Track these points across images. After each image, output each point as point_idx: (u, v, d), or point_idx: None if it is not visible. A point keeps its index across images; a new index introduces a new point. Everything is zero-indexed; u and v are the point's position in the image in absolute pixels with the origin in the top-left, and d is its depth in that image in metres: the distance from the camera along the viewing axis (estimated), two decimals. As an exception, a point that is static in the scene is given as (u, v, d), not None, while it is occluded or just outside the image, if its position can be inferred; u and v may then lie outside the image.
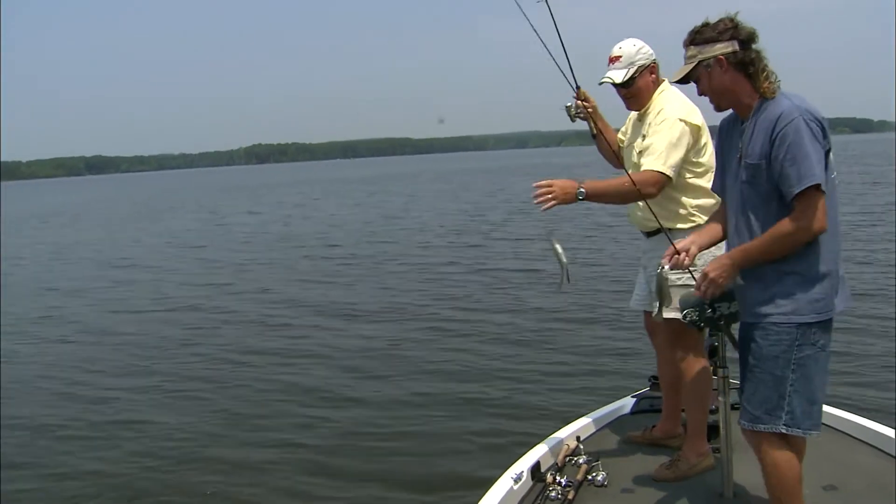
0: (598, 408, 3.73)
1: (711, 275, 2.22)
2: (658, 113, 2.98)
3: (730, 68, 2.19)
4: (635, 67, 3.02)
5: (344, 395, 5.75)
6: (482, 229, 15.77)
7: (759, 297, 2.21)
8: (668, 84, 3.06)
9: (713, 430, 3.03)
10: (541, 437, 3.34)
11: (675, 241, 2.65)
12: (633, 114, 3.21)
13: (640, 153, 2.96)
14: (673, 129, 2.90)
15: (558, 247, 2.71)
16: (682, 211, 2.97)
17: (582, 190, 2.75)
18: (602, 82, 3.05)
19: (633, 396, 3.81)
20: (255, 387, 6.02)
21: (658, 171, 2.85)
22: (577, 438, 3.31)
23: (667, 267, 2.45)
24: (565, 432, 3.37)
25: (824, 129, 2.13)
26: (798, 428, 2.20)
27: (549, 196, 2.72)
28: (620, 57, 3.02)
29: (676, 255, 2.38)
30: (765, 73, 2.18)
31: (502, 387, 5.71)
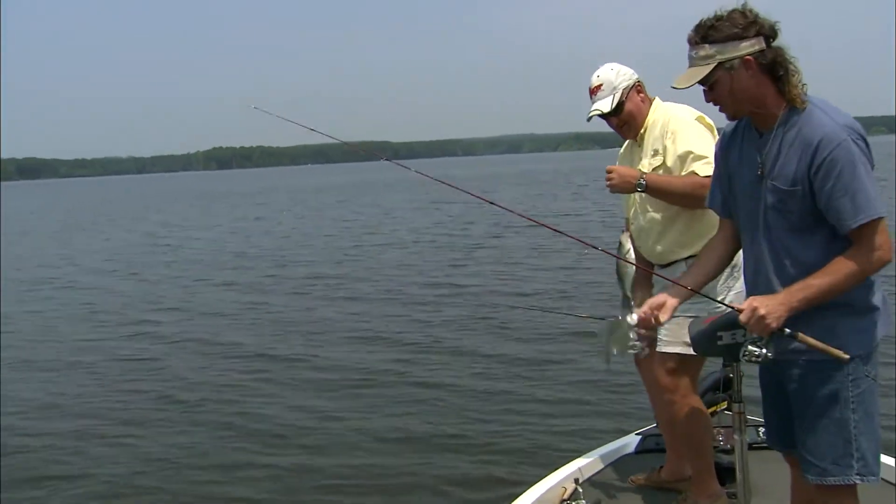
0: (598, 446, 3.74)
1: (768, 320, 2.11)
2: (663, 125, 3.07)
3: (758, 71, 2.11)
4: (620, 92, 3.10)
5: (298, 440, 5.50)
6: (463, 246, 15.78)
7: (801, 332, 2.15)
8: (660, 100, 3.17)
9: (728, 473, 3.04)
10: (533, 480, 3.34)
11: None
12: (627, 142, 3.29)
13: (660, 167, 3.04)
14: (696, 128, 3.00)
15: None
16: (700, 234, 3.00)
17: (642, 182, 2.95)
18: (591, 116, 3.13)
19: (637, 434, 3.82)
20: (196, 428, 5.83)
21: (705, 175, 2.87)
22: (576, 481, 3.30)
23: (634, 318, 2.51)
24: (561, 474, 3.37)
25: (868, 144, 2.10)
26: (872, 475, 2.17)
27: (608, 182, 2.98)
28: (601, 86, 3.10)
29: (645, 313, 2.39)
30: (795, 77, 2.12)
31: (489, 424, 5.66)
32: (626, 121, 3.14)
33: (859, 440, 2.15)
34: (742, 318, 2.14)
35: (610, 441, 3.82)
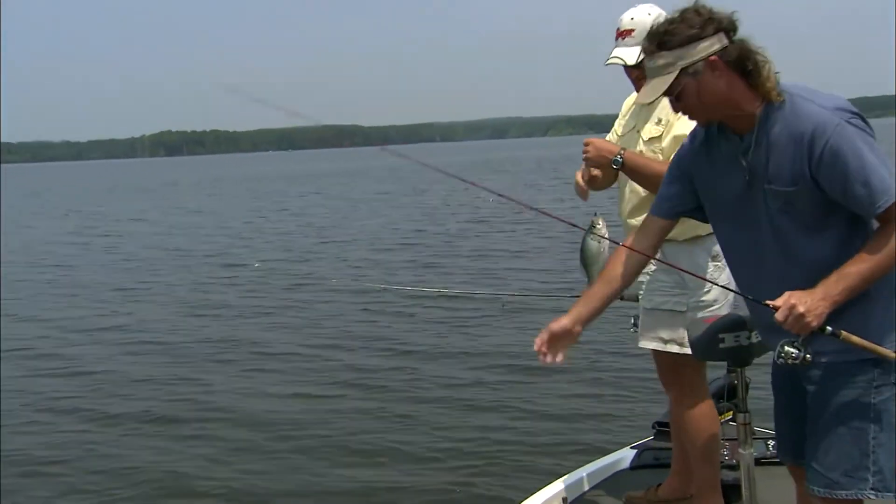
0: (590, 461, 3.74)
1: (809, 317, 2.10)
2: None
3: (725, 70, 2.11)
4: None
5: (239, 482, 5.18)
6: (437, 244, 15.75)
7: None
8: None
9: (733, 491, 3.05)
10: (518, 500, 3.33)
11: (667, 256, 2.89)
12: (634, 94, 3.27)
13: (658, 139, 3.07)
14: None
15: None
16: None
17: (619, 158, 2.97)
18: (610, 62, 3.08)
19: (633, 448, 3.82)
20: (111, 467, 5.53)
21: None
22: (564, 500, 3.30)
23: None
24: (549, 492, 3.36)
25: (865, 119, 2.10)
26: (889, 491, 2.15)
27: (584, 155, 3.01)
28: (633, 31, 3.04)
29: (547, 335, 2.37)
30: (766, 68, 2.11)
31: (469, 440, 5.60)
32: (645, 77, 3.07)
33: (877, 452, 2.14)
34: (778, 316, 2.12)
35: (603, 456, 3.82)
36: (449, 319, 8.97)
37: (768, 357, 2.33)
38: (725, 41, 2.10)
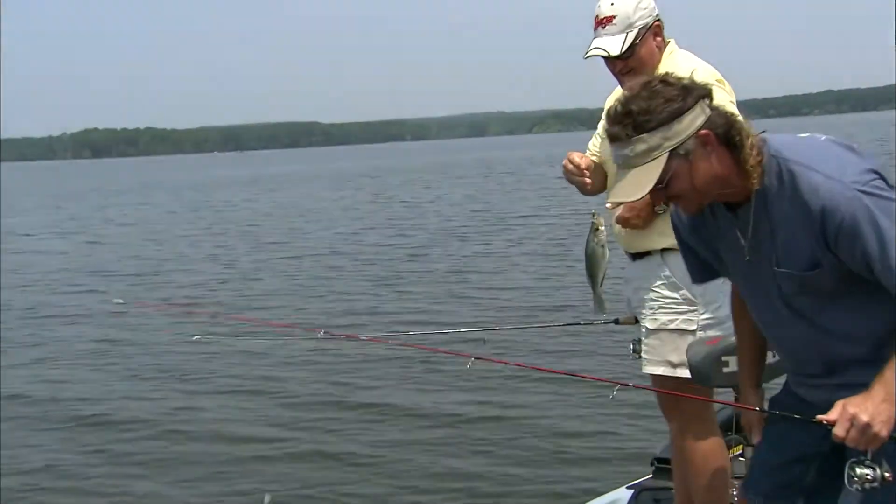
0: (582, 503, 3.78)
1: (876, 427, 2.02)
2: None
3: (716, 144, 2.07)
4: (636, 30, 3.08)
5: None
6: (397, 258, 15.68)
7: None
8: (676, 45, 3.20)
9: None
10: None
11: (670, 267, 2.92)
12: (620, 90, 3.30)
13: None
14: (718, 94, 2.98)
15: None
16: None
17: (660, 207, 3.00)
18: (590, 55, 3.13)
19: (629, 488, 3.85)
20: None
21: None
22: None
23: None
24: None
25: (883, 176, 2.06)
26: None
27: (633, 224, 3.12)
28: (614, 18, 3.07)
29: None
30: (750, 139, 2.08)
31: (449, 483, 5.65)
32: (633, 67, 3.11)
33: None
34: (839, 432, 2.04)
35: (595, 497, 3.84)
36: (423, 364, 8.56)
37: (782, 382, 2.36)
38: (708, 110, 2.07)
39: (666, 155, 2.04)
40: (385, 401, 7.41)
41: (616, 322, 3.68)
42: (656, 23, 3.13)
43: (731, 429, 3.70)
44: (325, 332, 5.01)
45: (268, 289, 13.16)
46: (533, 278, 12.56)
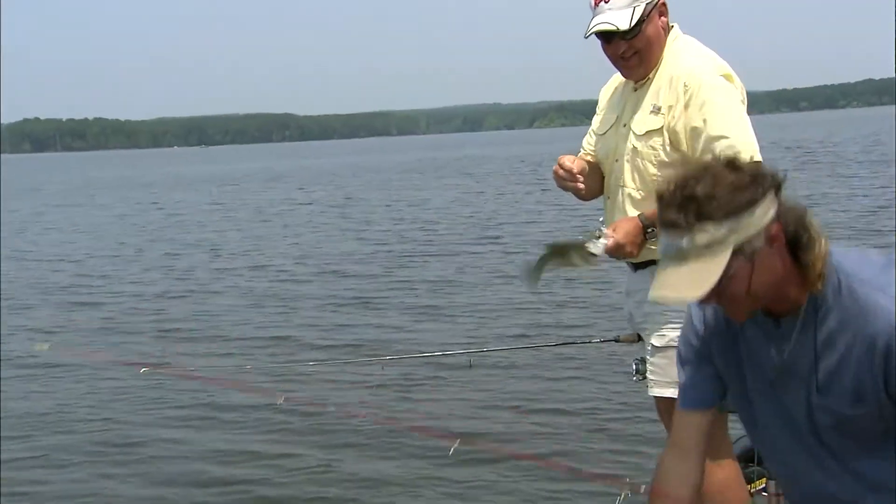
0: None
1: None
2: (680, 77, 3.22)
3: (783, 244, 2.05)
4: (643, 5, 3.21)
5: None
6: (367, 271, 15.49)
7: None
8: (680, 31, 3.37)
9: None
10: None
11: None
12: (617, 81, 3.53)
13: (657, 132, 3.27)
14: (722, 94, 3.18)
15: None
16: None
17: (650, 229, 3.18)
18: (593, 31, 3.25)
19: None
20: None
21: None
22: None
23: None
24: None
25: None
26: None
27: (616, 249, 3.18)
28: None
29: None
30: (821, 241, 2.07)
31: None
32: (638, 50, 3.25)
33: None
34: None
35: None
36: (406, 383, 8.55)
37: None
38: (778, 203, 2.03)
39: (730, 251, 1.99)
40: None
41: (616, 340, 3.73)
42: (661, 1, 3.26)
43: (753, 460, 3.70)
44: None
45: (207, 313, 12.63)
46: (523, 292, 12.02)
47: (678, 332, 3.13)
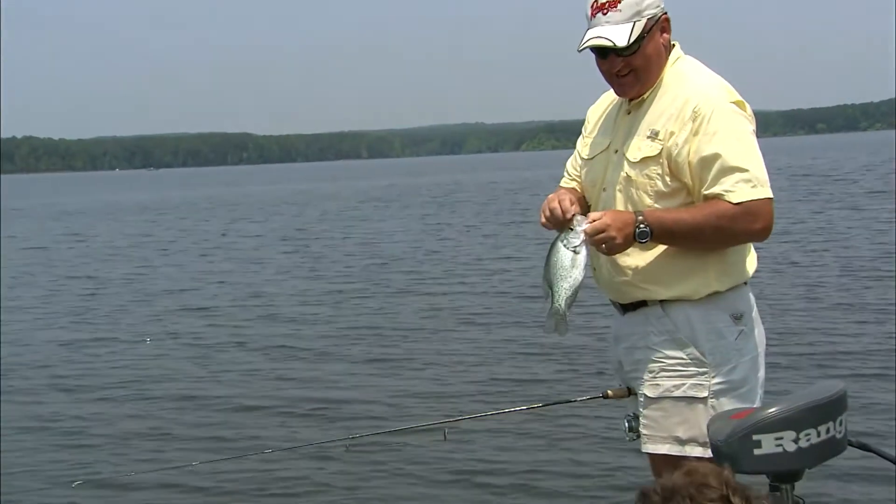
0: None
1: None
2: (687, 101, 3.30)
3: None
4: (644, 21, 3.30)
5: None
6: (310, 318, 15.14)
7: None
8: (682, 52, 3.48)
9: None
10: None
11: (674, 321, 3.27)
12: (608, 100, 3.64)
13: (654, 159, 3.36)
14: (735, 122, 3.28)
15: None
16: (694, 265, 3.35)
17: (645, 227, 3.23)
18: (589, 45, 3.34)
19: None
20: None
21: (760, 199, 3.22)
22: None
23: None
24: None
25: None
26: None
27: (608, 244, 3.24)
28: (619, 2, 3.28)
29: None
30: None
31: None
32: (636, 67, 3.34)
33: None
34: None
35: None
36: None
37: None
38: None
39: None
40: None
41: (604, 396, 3.73)
42: (664, 16, 3.35)
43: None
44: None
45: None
46: (499, 343, 12.19)
47: (674, 381, 3.31)
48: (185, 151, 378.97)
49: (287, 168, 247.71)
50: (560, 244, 3.27)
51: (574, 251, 3.26)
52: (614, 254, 3.31)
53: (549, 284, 3.30)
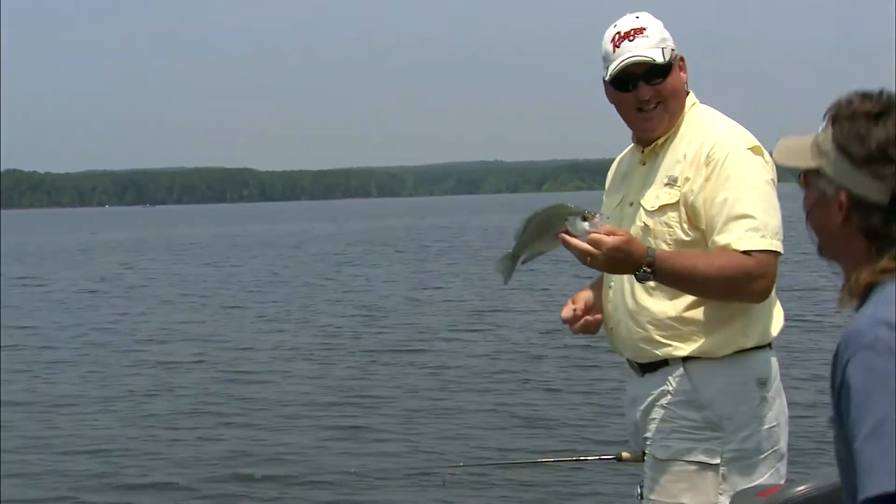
0: None
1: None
2: (703, 145, 3.46)
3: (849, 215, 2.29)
4: (669, 49, 3.52)
5: None
6: (300, 373, 15.30)
7: None
8: (696, 99, 3.67)
9: None
10: None
11: (693, 382, 3.45)
12: (625, 153, 3.84)
13: (673, 206, 3.52)
14: (750, 168, 3.43)
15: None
16: (719, 319, 3.46)
17: (647, 270, 3.27)
18: (628, 62, 3.46)
19: None
20: None
21: (766, 250, 3.33)
22: None
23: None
24: None
25: None
26: None
27: (589, 258, 3.28)
28: (645, 29, 3.51)
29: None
30: None
31: None
32: (664, 98, 3.50)
33: None
34: None
35: None
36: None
37: None
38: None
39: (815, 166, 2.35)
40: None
41: (618, 459, 3.81)
42: (680, 56, 3.56)
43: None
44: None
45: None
46: (508, 396, 12.61)
47: (685, 444, 3.41)
48: (180, 187, 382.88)
49: (289, 206, 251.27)
50: (565, 218, 3.28)
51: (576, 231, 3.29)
52: (592, 268, 3.40)
53: (524, 232, 3.41)
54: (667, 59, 3.46)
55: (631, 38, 3.46)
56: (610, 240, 3.20)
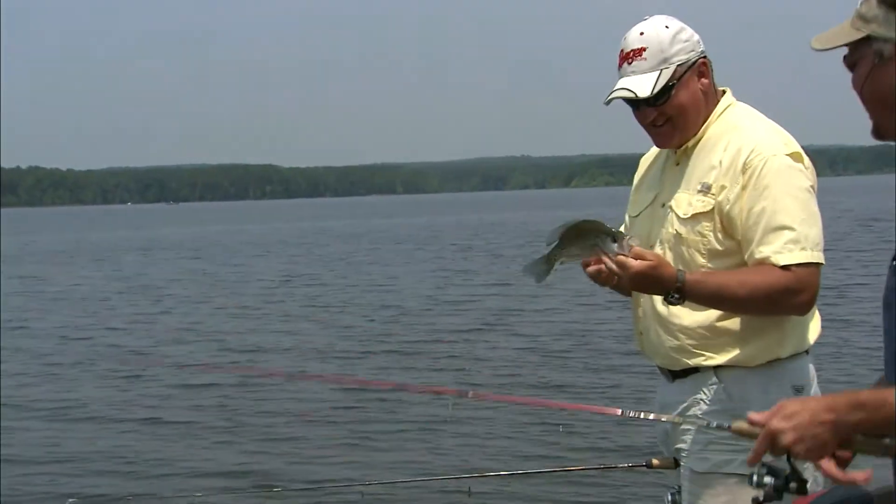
0: None
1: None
2: (740, 152, 3.42)
3: None
4: (672, 67, 3.45)
5: None
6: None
7: None
8: (734, 99, 3.63)
9: None
10: None
11: (727, 390, 3.45)
12: (654, 151, 3.84)
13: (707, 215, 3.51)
14: (790, 177, 3.40)
15: None
16: (753, 328, 3.46)
17: (676, 295, 3.29)
18: (613, 98, 3.55)
19: None
20: None
21: (808, 263, 3.31)
22: None
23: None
24: None
25: None
26: None
27: (604, 279, 3.32)
28: (643, 50, 3.47)
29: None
30: None
31: None
32: (670, 116, 3.49)
33: None
34: None
35: None
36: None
37: None
38: None
39: (862, 36, 2.43)
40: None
41: (647, 466, 3.82)
42: (701, 60, 3.48)
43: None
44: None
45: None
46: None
47: (724, 456, 3.40)
48: (203, 184, 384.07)
49: (315, 203, 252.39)
50: (598, 234, 3.29)
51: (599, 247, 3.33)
52: (615, 290, 3.48)
53: (560, 239, 3.38)
54: (660, 86, 3.43)
55: (630, 60, 3.47)
56: (637, 265, 3.20)
